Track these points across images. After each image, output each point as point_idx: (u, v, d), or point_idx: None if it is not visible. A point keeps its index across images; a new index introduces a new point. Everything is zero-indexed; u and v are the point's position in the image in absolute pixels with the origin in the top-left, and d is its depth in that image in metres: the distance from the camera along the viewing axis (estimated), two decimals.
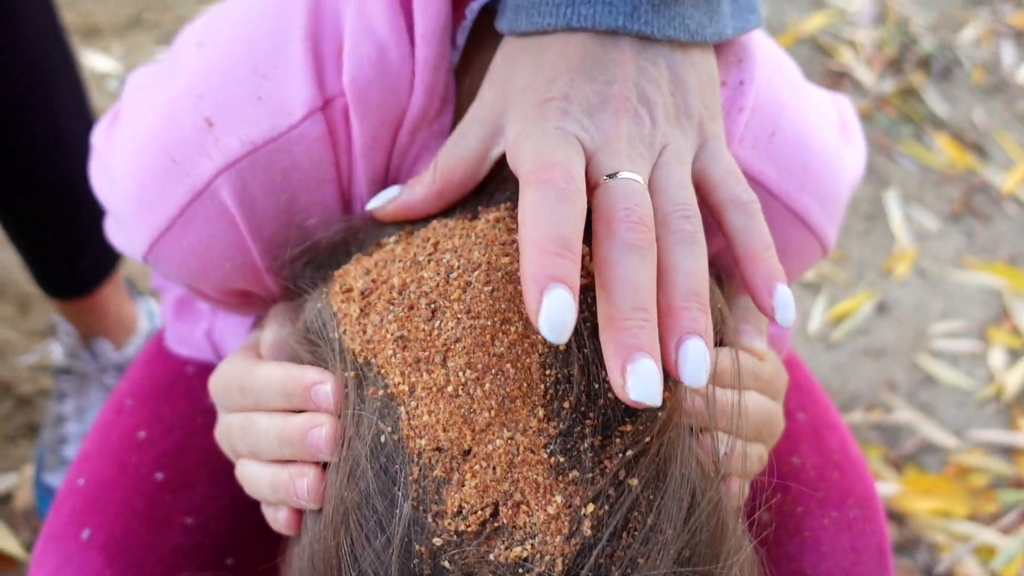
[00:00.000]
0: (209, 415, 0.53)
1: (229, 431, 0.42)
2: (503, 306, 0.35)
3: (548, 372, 0.34)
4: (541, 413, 0.34)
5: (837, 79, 1.61)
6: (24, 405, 1.05)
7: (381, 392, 0.36)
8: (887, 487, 1.09)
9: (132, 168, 0.43)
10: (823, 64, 1.64)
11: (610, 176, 0.35)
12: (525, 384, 0.34)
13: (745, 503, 0.39)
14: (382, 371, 0.36)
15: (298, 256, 0.43)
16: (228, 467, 0.49)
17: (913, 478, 1.11)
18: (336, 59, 0.40)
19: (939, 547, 1.06)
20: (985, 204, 1.46)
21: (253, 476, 0.40)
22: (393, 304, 0.36)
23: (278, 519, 0.40)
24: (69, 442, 0.94)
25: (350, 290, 0.38)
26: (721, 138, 0.39)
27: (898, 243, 1.37)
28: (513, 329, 0.34)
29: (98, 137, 0.48)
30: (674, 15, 0.37)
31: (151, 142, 0.42)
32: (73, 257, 0.94)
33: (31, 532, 0.95)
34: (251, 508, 0.50)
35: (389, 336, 0.35)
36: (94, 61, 1.46)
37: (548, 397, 0.34)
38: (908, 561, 1.05)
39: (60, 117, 0.84)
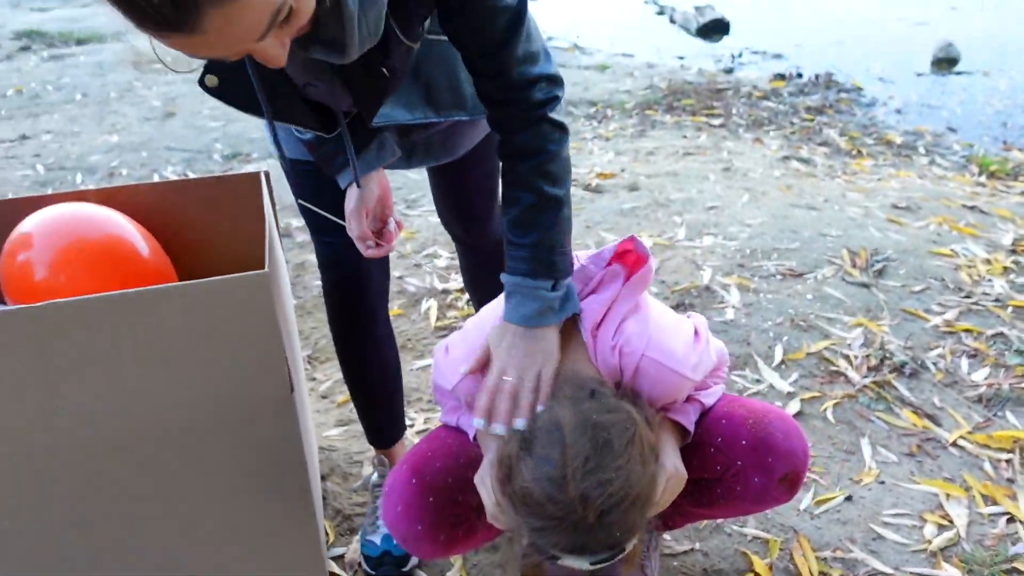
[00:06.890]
0: (454, 450, 1.48)
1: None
2: None
3: None
4: None
5: (834, 376, 2.48)
6: (346, 519, 1.96)
7: None
8: None
9: (451, 371, 1.43)
10: (825, 367, 2.51)
11: None
12: None
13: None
14: None
15: None
16: (468, 461, 1.43)
17: None
18: None
19: None
20: (935, 448, 2.20)
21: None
22: None
23: None
24: (380, 520, 1.84)
25: None
26: None
27: (867, 466, 2.12)
28: None
29: (441, 355, 1.49)
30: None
31: (454, 363, 1.43)
32: (386, 424, 1.94)
33: (357, 572, 1.81)
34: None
35: None
36: None
37: None
38: None
39: (382, 348, 1.87)
